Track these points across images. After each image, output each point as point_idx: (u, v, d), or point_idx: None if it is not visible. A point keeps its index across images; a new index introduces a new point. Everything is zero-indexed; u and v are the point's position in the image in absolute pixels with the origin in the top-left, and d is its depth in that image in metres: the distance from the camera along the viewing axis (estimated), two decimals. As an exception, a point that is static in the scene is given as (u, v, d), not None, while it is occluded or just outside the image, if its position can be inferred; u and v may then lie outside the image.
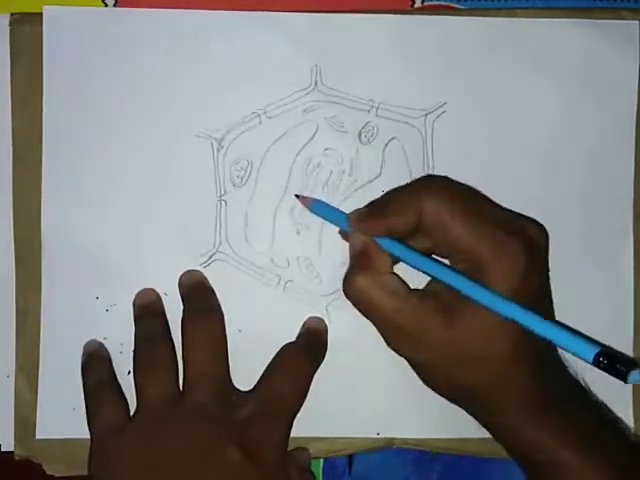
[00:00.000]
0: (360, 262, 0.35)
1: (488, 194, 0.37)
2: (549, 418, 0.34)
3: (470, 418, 0.36)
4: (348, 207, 0.38)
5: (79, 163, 0.39)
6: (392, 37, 0.39)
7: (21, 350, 0.39)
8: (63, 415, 0.39)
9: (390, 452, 0.41)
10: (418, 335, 0.34)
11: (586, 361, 0.29)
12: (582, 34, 0.40)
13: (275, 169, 0.39)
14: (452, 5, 0.40)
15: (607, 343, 0.38)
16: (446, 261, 0.35)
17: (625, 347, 0.40)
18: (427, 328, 0.33)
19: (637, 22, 0.40)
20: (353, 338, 0.39)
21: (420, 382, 0.36)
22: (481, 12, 0.40)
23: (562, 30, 0.40)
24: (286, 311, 0.40)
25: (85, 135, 0.39)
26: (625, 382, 0.28)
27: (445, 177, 0.38)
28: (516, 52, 0.40)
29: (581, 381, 0.36)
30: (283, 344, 0.38)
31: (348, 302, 0.39)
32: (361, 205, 0.36)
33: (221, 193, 0.40)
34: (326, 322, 0.40)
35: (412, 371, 0.36)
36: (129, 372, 0.39)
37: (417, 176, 0.39)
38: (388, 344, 0.35)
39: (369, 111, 0.40)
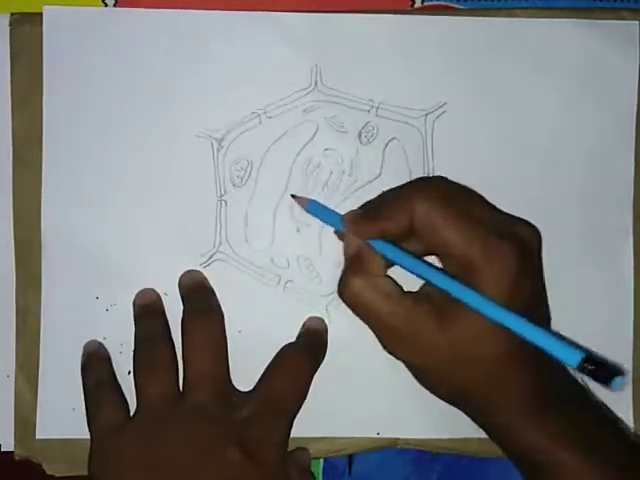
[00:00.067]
0: (354, 264, 0.35)
1: (488, 194, 0.37)
2: (547, 419, 0.34)
3: (470, 418, 0.36)
4: (348, 207, 0.37)
5: (79, 163, 0.39)
6: (392, 37, 0.39)
7: (21, 350, 0.39)
8: (63, 415, 0.39)
9: (390, 452, 0.41)
10: (412, 338, 0.34)
11: (571, 366, 0.30)
12: (582, 34, 0.40)
13: (275, 169, 0.39)
14: (452, 5, 0.40)
15: (607, 343, 0.38)
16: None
17: (625, 347, 0.40)
18: (421, 331, 0.33)
19: (637, 22, 0.40)
20: (353, 338, 0.39)
21: (422, 386, 0.36)
22: (481, 12, 0.40)
23: (562, 30, 0.40)
24: (286, 311, 0.40)
25: (85, 135, 0.39)
26: (609, 389, 0.28)
27: (440, 178, 0.38)
28: (516, 52, 0.40)
29: (580, 381, 0.36)
30: (283, 344, 0.38)
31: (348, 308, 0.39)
32: (360, 205, 0.37)
33: (221, 193, 0.40)
34: (326, 322, 0.40)
35: (411, 372, 0.36)
36: (129, 372, 0.39)
37: (417, 176, 0.40)
38: (384, 347, 0.35)
39: (369, 111, 0.40)
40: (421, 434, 0.40)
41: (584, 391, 0.36)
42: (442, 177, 0.38)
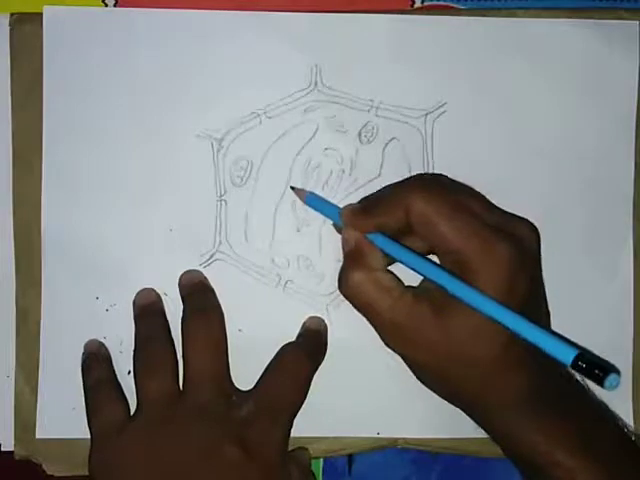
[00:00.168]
0: (354, 258, 0.35)
1: (487, 194, 0.37)
2: (543, 418, 0.34)
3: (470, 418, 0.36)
4: (348, 207, 0.38)
5: (79, 163, 0.39)
6: (392, 37, 0.39)
7: (21, 350, 0.39)
8: (63, 415, 0.39)
9: (390, 452, 0.41)
10: (411, 333, 0.34)
11: (564, 364, 0.29)
12: (582, 34, 0.40)
13: (275, 169, 0.39)
14: (452, 5, 0.40)
15: (607, 343, 0.38)
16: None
17: (625, 347, 0.40)
18: (419, 326, 0.34)
19: (637, 22, 0.40)
20: (353, 338, 0.39)
21: (420, 382, 0.36)
22: (481, 12, 0.40)
23: (562, 30, 0.40)
24: (286, 311, 0.40)
25: (85, 135, 0.39)
26: (602, 387, 0.28)
27: (438, 175, 0.38)
28: (516, 52, 0.40)
29: (579, 380, 0.36)
30: (283, 344, 0.38)
31: (348, 302, 0.39)
32: (361, 205, 0.37)
33: (221, 193, 0.40)
34: (326, 322, 0.40)
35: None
36: (129, 372, 0.39)
37: (417, 176, 0.40)
38: (383, 341, 0.35)
39: (369, 111, 0.40)
40: (421, 434, 0.40)
41: (583, 390, 0.36)
42: (440, 174, 0.37)
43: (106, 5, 0.40)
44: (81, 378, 0.38)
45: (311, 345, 0.39)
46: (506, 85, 0.40)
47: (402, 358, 0.36)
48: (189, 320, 0.38)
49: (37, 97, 0.39)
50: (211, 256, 0.40)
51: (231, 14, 0.39)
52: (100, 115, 0.39)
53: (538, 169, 0.40)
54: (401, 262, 0.35)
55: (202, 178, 0.39)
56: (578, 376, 0.36)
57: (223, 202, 0.40)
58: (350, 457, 0.41)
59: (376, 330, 0.35)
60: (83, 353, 0.39)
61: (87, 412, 0.37)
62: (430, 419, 0.40)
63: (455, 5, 0.40)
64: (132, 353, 0.38)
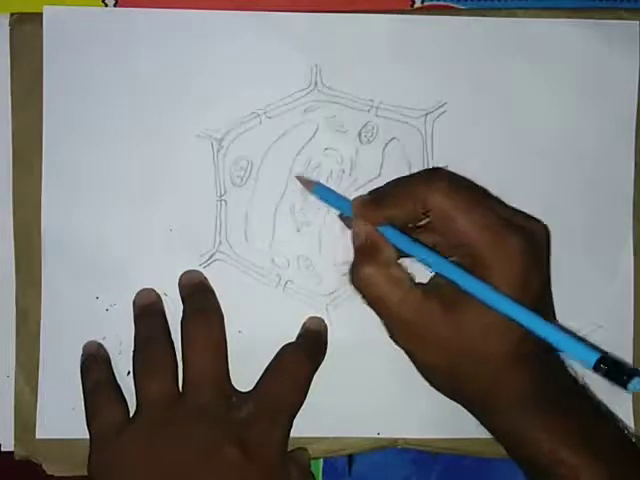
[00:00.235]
0: (366, 252, 0.35)
1: (488, 194, 0.37)
2: (548, 415, 0.34)
3: (471, 418, 0.36)
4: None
5: (79, 163, 0.39)
6: (392, 37, 0.39)
7: (21, 350, 0.39)
8: (63, 415, 0.39)
9: (390, 452, 0.41)
10: (420, 328, 0.34)
11: (586, 367, 0.29)
12: (582, 34, 0.40)
13: (275, 169, 0.39)
14: (452, 5, 0.40)
15: (607, 343, 0.38)
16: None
17: (625, 347, 0.40)
18: (429, 322, 0.33)
19: (637, 22, 0.40)
20: (353, 338, 0.39)
21: (420, 382, 0.36)
22: (481, 12, 0.40)
23: (562, 30, 0.40)
24: (286, 311, 0.40)
25: (85, 135, 0.39)
26: (625, 389, 0.28)
27: (449, 171, 0.37)
28: (516, 52, 0.40)
29: (580, 380, 0.36)
30: (283, 344, 0.38)
31: (348, 302, 0.39)
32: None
33: (221, 193, 0.40)
34: (326, 322, 0.40)
35: (412, 371, 0.36)
36: (128, 372, 0.39)
37: (417, 176, 0.39)
38: (391, 336, 0.35)
39: (369, 111, 0.40)
40: (421, 434, 0.40)
41: (584, 389, 0.36)
42: (450, 170, 0.37)
43: (106, 5, 0.40)
44: (80, 379, 0.38)
45: (311, 345, 0.39)
46: (506, 85, 0.40)
47: (408, 354, 0.36)
48: (189, 321, 0.38)
49: (37, 97, 0.39)
50: (211, 256, 0.40)
51: (231, 14, 0.39)
52: (100, 115, 0.39)
53: (538, 169, 0.40)
54: (413, 256, 0.35)
55: (202, 178, 0.39)
56: (579, 377, 0.36)
57: (223, 202, 0.40)
58: (350, 457, 0.41)
59: (385, 324, 0.35)
60: (82, 355, 0.39)
61: (86, 414, 0.37)
62: (430, 419, 0.40)
63: (455, 5, 0.40)
64: (131, 354, 0.38)
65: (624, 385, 0.28)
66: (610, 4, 0.41)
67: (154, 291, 0.39)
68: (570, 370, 0.36)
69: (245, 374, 0.38)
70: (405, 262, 0.36)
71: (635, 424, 0.40)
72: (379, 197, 0.36)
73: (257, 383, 0.38)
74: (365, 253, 0.35)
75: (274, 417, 0.36)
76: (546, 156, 0.40)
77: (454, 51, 0.40)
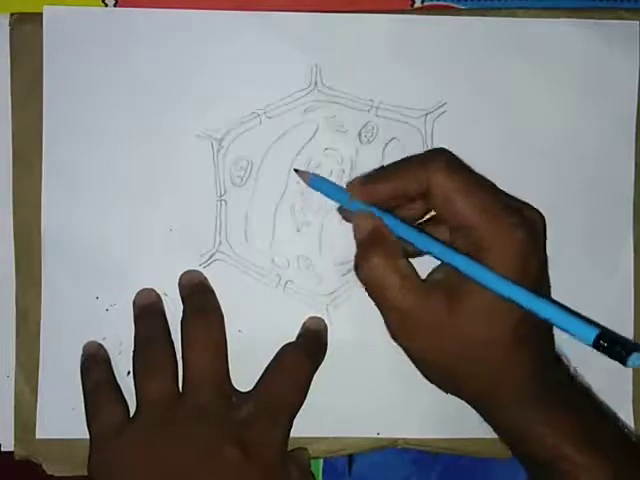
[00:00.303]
0: (373, 243, 0.35)
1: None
2: (550, 411, 0.34)
3: (471, 418, 0.36)
4: (348, 207, 0.37)
5: (79, 163, 0.39)
6: (392, 37, 0.39)
7: (21, 350, 0.39)
8: (63, 415, 0.39)
9: (390, 452, 0.41)
10: (423, 323, 0.34)
11: (586, 343, 0.29)
12: (582, 34, 0.40)
13: (275, 169, 0.39)
14: (452, 5, 0.40)
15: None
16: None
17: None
18: (434, 314, 0.33)
19: (637, 22, 0.40)
20: (353, 338, 0.39)
21: (420, 382, 0.36)
22: (481, 12, 0.40)
23: (562, 30, 0.40)
24: (286, 311, 0.39)
25: (85, 135, 0.39)
26: (625, 365, 0.28)
27: (450, 152, 0.37)
28: (516, 52, 0.40)
29: (580, 379, 0.36)
30: (283, 344, 0.38)
31: (348, 302, 0.39)
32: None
33: (221, 193, 0.40)
34: (326, 322, 0.40)
35: (412, 371, 0.36)
36: (128, 373, 0.39)
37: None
38: (391, 332, 0.35)
39: (369, 111, 0.40)
40: (421, 434, 0.40)
41: (585, 388, 0.36)
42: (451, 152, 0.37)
43: (106, 5, 0.40)
44: (80, 380, 0.38)
45: (311, 345, 0.39)
46: (506, 85, 0.40)
47: (409, 352, 0.35)
48: (189, 321, 0.38)
49: (37, 97, 0.39)
50: (211, 256, 0.40)
51: (231, 14, 0.39)
52: (100, 115, 0.39)
53: (538, 169, 0.40)
54: (414, 244, 0.34)
55: (202, 178, 0.39)
56: (579, 375, 0.36)
57: (223, 202, 0.40)
58: (350, 457, 0.41)
59: (386, 318, 0.35)
60: (82, 355, 0.39)
61: (86, 414, 0.37)
62: (430, 419, 0.40)
63: (455, 5, 0.40)
64: (131, 354, 0.38)
65: (624, 361, 0.28)
66: (610, 4, 0.41)
67: (154, 291, 0.39)
68: (571, 369, 0.36)
69: (245, 374, 0.38)
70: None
71: (635, 424, 0.40)
72: (376, 176, 0.36)
73: (257, 383, 0.38)
74: (371, 244, 0.35)
75: (274, 417, 0.36)
76: (546, 156, 0.40)
77: (454, 51, 0.40)
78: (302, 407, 0.37)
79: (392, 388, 0.40)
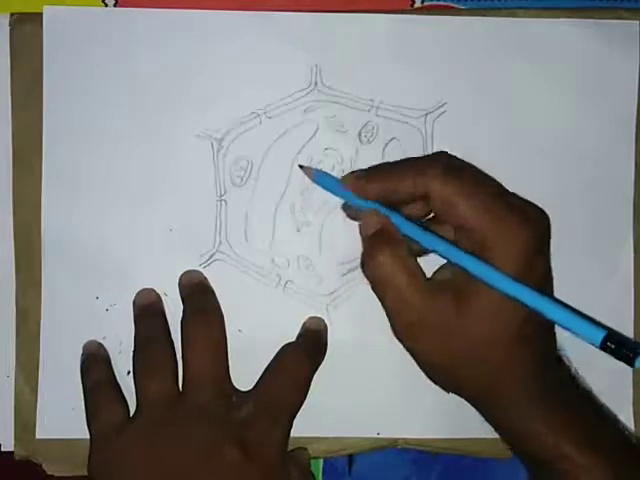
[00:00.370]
0: (382, 240, 0.34)
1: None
2: (551, 410, 0.34)
3: (471, 418, 0.36)
4: (348, 207, 0.37)
5: (79, 163, 0.39)
6: (392, 37, 0.39)
7: (21, 350, 0.39)
8: (63, 415, 0.39)
9: (390, 452, 0.41)
10: (430, 324, 0.34)
11: (593, 344, 0.29)
12: (582, 34, 0.40)
13: (275, 169, 0.39)
14: (452, 5, 0.40)
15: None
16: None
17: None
18: (440, 317, 0.33)
19: (637, 22, 0.40)
20: (353, 338, 0.39)
21: (420, 382, 0.36)
22: (481, 12, 0.40)
23: (562, 30, 0.40)
24: (286, 311, 0.39)
25: (85, 135, 0.39)
26: (632, 366, 0.28)
27: (449, 155, 0.37)
28: (516, 52, 0.40)
29: (581, 380, 0.36)
30: (283, 344, 0.38)
31: (348, 302, 0.39)
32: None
33: (221, 193, 0.40)
34: (326, 322, 0.40)
35: (413, 371, 0.36)
36: (128, 372, 0.39)
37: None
38: (396, 333, 0.35)
39: (369, 111, 0.40)
40: (421, 434, 0.40)
41: (586, 391, 0.36)
42: (450, 154, 0.37)
43: (106, 5, 0.40)
44: (80, 379, 0.38)
45: (311, 345, 0.39)
46: (506, 85, 0.40)
47: (412, 351, 0.35)
48: (189, 321, 0.38)
49: (37, 97, 0.39)
50: (211, 256, 0.40)
51: (231, 14, 0.39)
52: (100, 115, 0.39)
53: (538, 169, 0.40)
54: (418, 242, 0.34)
55: (202, 178, 0.39)
56: (580, 377, 0.36)
57: (223, 202, 0.40)
58: (350, 457, 0.41)
59: (391, 317, 0.35)
60: (82, 354, 0.39)
61: (86, 414, 0.37)
62: (430, 419, 0.40)
63: (455, 5, 0.40)
64: (131, 354, 0.38)
65: (631, 362, 0.28)
66: (610, 4, 0.41)
67: (154, 291, 0.39)
68: (572, 371, 0.36)
69: (245, 374, 0.38)
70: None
71: (635, 426, 0.40)
72: (372, 174, 0.36)
73: (257, 383, 0.38)
74: (378, 241, 0.35)
75: (274, 417, 0.36)
76: (546, 156, 0.40)
77: (454, 51, 0.40)
78: (302, 407, 0.37)
79: (392, 388, 0.40)
